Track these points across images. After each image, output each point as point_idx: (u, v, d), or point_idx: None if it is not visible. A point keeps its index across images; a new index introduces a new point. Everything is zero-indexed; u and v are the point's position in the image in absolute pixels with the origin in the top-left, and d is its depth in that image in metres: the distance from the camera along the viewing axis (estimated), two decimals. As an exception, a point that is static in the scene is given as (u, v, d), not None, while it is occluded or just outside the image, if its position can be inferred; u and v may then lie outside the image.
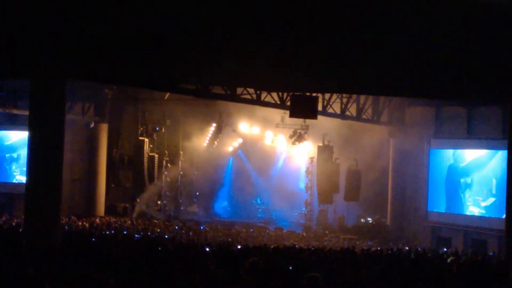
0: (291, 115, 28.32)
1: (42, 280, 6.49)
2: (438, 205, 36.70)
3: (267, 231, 37.47)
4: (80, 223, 33.78)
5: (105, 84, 38.78)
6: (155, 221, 39.64)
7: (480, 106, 34.43)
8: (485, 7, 19.28)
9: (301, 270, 11.55)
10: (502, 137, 31.26)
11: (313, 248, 22.70)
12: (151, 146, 43.95)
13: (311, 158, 42.84)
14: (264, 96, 31.20)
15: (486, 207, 33.98)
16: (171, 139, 45.72)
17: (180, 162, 45.68)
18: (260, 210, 47.01)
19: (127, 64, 20.75)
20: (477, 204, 34.55)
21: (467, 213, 35.04)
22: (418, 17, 19.47)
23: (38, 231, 18.97)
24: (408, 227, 38.46)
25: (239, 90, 30.35)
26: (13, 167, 40.80)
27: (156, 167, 43.97)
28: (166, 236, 29.33)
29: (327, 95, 33.53)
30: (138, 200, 43.48)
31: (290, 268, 12.66)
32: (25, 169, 22.05)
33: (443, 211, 36.42)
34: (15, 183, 39.24)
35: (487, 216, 33.71)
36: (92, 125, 41.72)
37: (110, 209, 43.28)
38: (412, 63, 20.28)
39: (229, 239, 30.57)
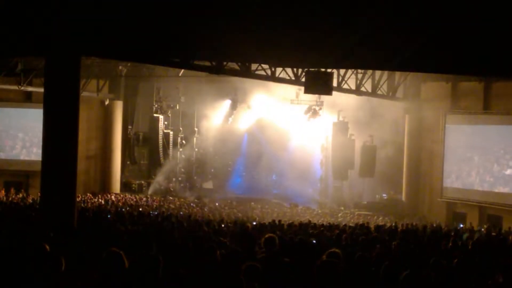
0: (306, 91, 28.23)
1: (58, 257, 6.50)
2: (453, 181, 36.56)
3: (283, 207, 37.48)
4: (95, 200, 33.94)
5: (119, 61, 38.72)
6: (170, 198, 39.76)
7: (497, 81, 34.15)
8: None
9: (317, 246, 11.55)
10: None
11: (328, 224, 22.71)
12: (165, 123, 44.01)
13: (326, 135, 42.70)
14: (279, 72, 31.06)
15: (500, 182, 33.85)
16: (185, 116, 45.76)
17: (194, 139, 45.76)
18: (275, 186, 47.03)
19: (142, 41, 20.69)
20: (492, 179, 34.43)
21: (482, 188, 34.91)
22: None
23: (54, 208, 19.01)
24: (423, 203, 38.38)
25: (254, 67, 30.23)
26: (28, 144, 40.88)
27: (171, 144, 44.02)
28: (181, 213, 29.41)
29: (342, 71, 33.30)
30: (153, 177, 43.61)
31: (307, 244, 12.66)
32: (40, 147, 22.03)
33: (459, 187, 36.28)
34: (31, 161, 39.32)
35: (502, 191, 33.57)
36: (107, 102, 41.80)
37: (125, 186, 43.47)
38: (428, 37, 20.09)
39: (244, 216, 30.61)
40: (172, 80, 42.46)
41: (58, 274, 4.98)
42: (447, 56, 21.38)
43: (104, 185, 42.20)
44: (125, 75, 42.45)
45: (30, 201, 30.32)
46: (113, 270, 6.07)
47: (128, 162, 45.19)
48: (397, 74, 36.97)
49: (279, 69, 30.94)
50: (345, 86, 33.92)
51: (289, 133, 45.85)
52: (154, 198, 38.66)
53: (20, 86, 36.23)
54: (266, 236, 9.59)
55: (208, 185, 46.65)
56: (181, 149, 45.16)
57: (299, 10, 19.04)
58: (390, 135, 39.65)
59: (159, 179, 43.34)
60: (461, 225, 30.34)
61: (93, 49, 22.23)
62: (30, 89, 37.12)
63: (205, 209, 33.24)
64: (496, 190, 34.12)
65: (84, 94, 34.74)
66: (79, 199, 31.41)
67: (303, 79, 28.59)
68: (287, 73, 31.40)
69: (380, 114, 38.68)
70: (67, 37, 19.65)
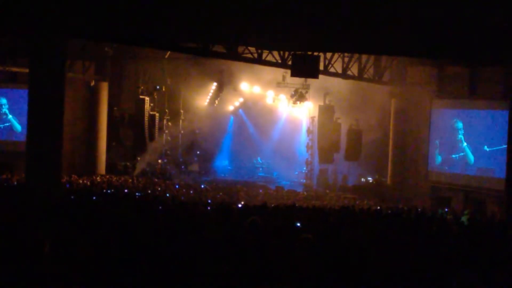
0: (293, 74, 28.24)
1: (42, 239, 6.49)
2: (438, 165, 36.73)
3: (268, 190, 37.55)
4: (81, 181, 33.86)
5: (105, 43, 38.54)
6: (156, 179, 39.74)
7: (483, 67, 34.24)
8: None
9: (301, 229, 11.59)
10: (504, 97, 31.16)
11: (313, 207, 22.77)
12: (151, 104, 43.86)
13: (312, 118, 42.77)
14: (265, 55, 31.05)
15: (485, 167, 34.04)
16: (172, 98, 45.67)
17: (180, 121, 45.71)
18: (260, 169, 47.13)
19: (128, 23, 20.62)
20: (477, 163, 34.61)
21: (467, 173, 35.08)
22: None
23: (39, 189, 18.99)
24: (408, 187, 38.50)
25: (240, 49, 30.19)
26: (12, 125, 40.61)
27: (156, 126, 43.91)
28: (167, 195, 29.40)
29: (328, 55, 33.33)
30: (138, 158, 43.55)
31: (291, 226, 12.70)
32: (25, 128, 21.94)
33: (444, 171, 36.47)
34: (16, 141, 39.09)
35: (487, 176, 33.76)
36: (92, 83, 41.60)
37: (111, 167, 43.35)
38: (415, 22, 20.13)
39: (230, 198, 30.64)
40: (158, 62, 42.33)
41: (41, 256, 4.98)
42: (433, 41, 21.45)
43: (90, 166, 42.04)
44: (111, 56, 42.25)
45: (15, 182, 30.22)
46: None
47: (113, 144, 45.05)
48: (384, 58, 37.01)
49: (265, 52, 30.92)
50: (332, 70, 33.95)
51: (275, 116, 45.90)
52: (140, 179, 38.59)
53: (4, 67, 35.96)
54: (251, 218, 9.62)
55: (194, 167, 46.63)
56: (166, 131, 45.09)
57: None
58: (376, 118, 39.72)
59: (145, 160, 43.27)
60: (446, 209, 30.50)
61: (79, 31, 22.14)
62: (15, 69, 36.85)
63: (191, 191, 33.23)
64: (481, 175, 34.29)
65: (69, 75, 34.58)
66: (64, 180, 31.31)
67: (290, 62, 28.59)
68: (273, 56, 31.39)
69: (366, 98, 38.75)
70: (52, 18, 19.55)
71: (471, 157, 34.80)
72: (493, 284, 7.09)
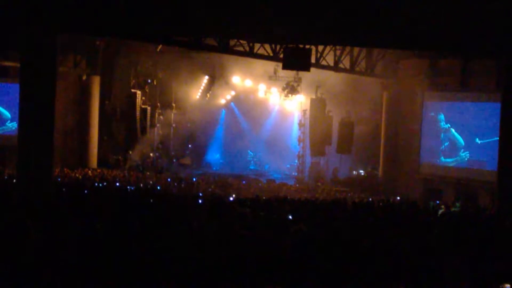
0: (284, 67, 28.25)
1: (33, 232, 6.49)
2: (430, 157, 36.80)
3: (259, 183, 37.58)
4: (72, 175, 33.81)
5: (96, 37, 38.45)
6: (148, 173, 39.71)
7: (475, 59, 34.29)
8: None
9: (293, 221, 11.60)
10: (496, 90, 31.20)
11: (305, 200, 22.78)
12: (143, 98, 43.79)
13: (304, 111, 42.79)
14: (257, 48, 31.04)
15: (476, 159, 34.15)
16: (163, 91, 45.60)
17: (172, 114, 45.64)
18: (252, 162, 47.17)
19: (119, 16, 20.56)
20: (468, 156, 34.72)
21: (459, 165, 35.18)
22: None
23: (30, 183, 18.97)
24: (400, 180, 38.57)
25: (232, 42, 30.17)
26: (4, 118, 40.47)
27: (148, 120, 43.88)
28: (159, 188, 29.39)
29: (320, 48, 33.34)
30: (130, 152, 43.48)
31: (282, 219, 12.72)
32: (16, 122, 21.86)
33: (435, 163, 36.56)
34: (7, 135, 38.96)
35: (478, 168, 33.85)
36: (84, 77, 41.50)
37: (102, 161, 43.29)
38: (406, 15, 20.13)
39: (222, 191, 30.65)
40: (150, 55, 42.23)
41: (30, 246, 4.97)
42: (425, 34, 21.45)
43: (81, 160, 41.97)
44: (103, 50, 42.16)
45: (6, 176, 30.15)
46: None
47: (105, 137, 44.96)
48: (375, 51, 37.03)
49: (257, 45, 30.91)
50: (323, 63, 33.96)
51: (267, 109, 45.94)
52: (131, 173, 38.56)
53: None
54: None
55: (186, 160, 46.63)
56: (158, 125, 45.04)
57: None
58: (368, 111, 39.80)
59: (136, 154, 43.21)
60: (437, 202, 30.56)
61: (70, 25, 22.09)
62: (6, 63, 36.75)
63: (182, 185, 33.23)
64: (472, 167, 34.39)
65: (61, 69, 34.48)
66: (56, 173, 31.26)
67: (281, 55, 28.60)
68: (265, 49, 31.38)
69: (358, 91, 38.80)
70: (44, 12, 19.49)
71: (461, 142, 34.92)
72: (483, 273, 7.12)
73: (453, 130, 35.39)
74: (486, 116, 33.08)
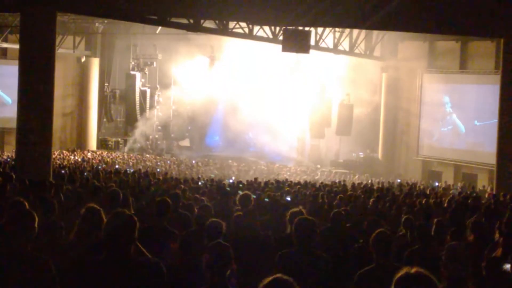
0: (284, 50, 28.17)
1: (33, 214, 6.49)
2: (429, 139, 36.85)
3: (259, 165, 37.60)
4: (72, 157, 33.85)
5: (96, 18, 38.32)
6: (147, 155, 39.75)
7: (474, 41, 34.27)
8: None
9: (292, 203, 11.62)
10: (495, 71, 31.20)
11: (304, 182, 22.82)
12: (142, 80, 43.78)
13: (304, 93, 42.69)
14: (257, 30, 30.92)
15: (475, 141, 34.19)
16: (162, 73, 45.53)
17: (171, 96, 45.57)
18: (252, 144, 47.12)
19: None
20: (467, 138, 34.78)
21: (458, 147, 35.22)
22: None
23: (29, 165, 18.96)
24: (400, 162, 38.66)
25: (231, 24, 30.07)
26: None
27: (147, 102, 43.86)
28: (158, 170, 29.43)
29: (319, 30, 33.23)
30: (130, 134, 43.51)
31: (281, 201, 12.75)
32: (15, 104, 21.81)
33: (435, 145, 36.61)
34: (6, 117, 38.89)
35: (477, 150, 33.89)
36: (83, 59, 41.47)
37: (102, 143, 43.35)
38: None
39: (221, 174, 30.69)
40: (149, 37, 42.15)
41: (32, 230, 4.98)
42: (424, 15, 21.40)
43: (81, 142, 42.05)
44: (102, 32, 42.10)
45: (5, 157, 30.19)
46: (91, 226, 6.06)
47: (104, 120, 44.99)
48: (375, 33, 36.95)
49: (256, 27, 30.80)
50: (323, 45, 33.87)
51: (267, 91, 45.84)
52: (131, 155, 38.61)
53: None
54: (242, 193, 9.65)
55: (185, 142, 46.62)
56: (157, 107, 45.02)
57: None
58: (367, 93, 39.76)
59: (136, 136, 43.21)
60: (437, 184, 30.66)
61: (69, 6, 22.04)
62: (5, 45, 36.71)
63: (182, 167, 33.27)
64: (471, 149, 34.43)
65: (60, 51, 34.42)
66: (55, 156, 31.30)
67: (281, 37, 28.51)
68: (264, 32, 31.26)
69: (358, 73, 38.74)
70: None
71: (461, 128, 34.97)
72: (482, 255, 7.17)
73: (454, 116, 35.42)
74: (485, 98, 33.07)
